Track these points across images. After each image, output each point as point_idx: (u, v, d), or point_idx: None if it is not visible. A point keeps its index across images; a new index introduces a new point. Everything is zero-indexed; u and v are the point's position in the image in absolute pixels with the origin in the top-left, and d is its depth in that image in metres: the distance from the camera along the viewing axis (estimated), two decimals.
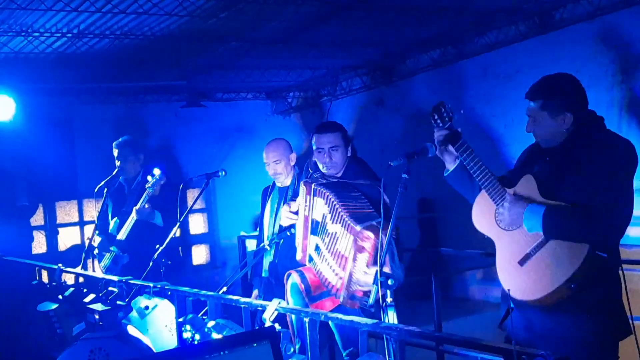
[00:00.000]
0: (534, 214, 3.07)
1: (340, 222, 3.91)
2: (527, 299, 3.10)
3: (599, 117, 3.23)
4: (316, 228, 4.15)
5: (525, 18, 6.84)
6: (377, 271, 3.12)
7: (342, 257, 3.88)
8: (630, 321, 3.23)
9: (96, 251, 5.62)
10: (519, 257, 3.15)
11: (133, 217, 5.55)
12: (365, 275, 3.78)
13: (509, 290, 3.15)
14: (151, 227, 5.62)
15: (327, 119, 9.77)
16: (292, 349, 3.29)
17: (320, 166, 4.32)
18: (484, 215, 3.32)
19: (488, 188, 3.24)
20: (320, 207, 4.11)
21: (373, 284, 3.18)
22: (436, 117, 3.33)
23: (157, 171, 5.42)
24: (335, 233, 3.95)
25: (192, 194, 8.71)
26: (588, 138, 3.12)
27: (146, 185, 5.44)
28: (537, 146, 3.34)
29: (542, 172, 3.20)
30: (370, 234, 3.75)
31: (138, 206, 5.49)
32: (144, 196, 5.46)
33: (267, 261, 4.77)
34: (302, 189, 4.27)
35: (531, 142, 3.41)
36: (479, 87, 8.01)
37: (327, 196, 4.03)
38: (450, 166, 3.42)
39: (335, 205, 3.96)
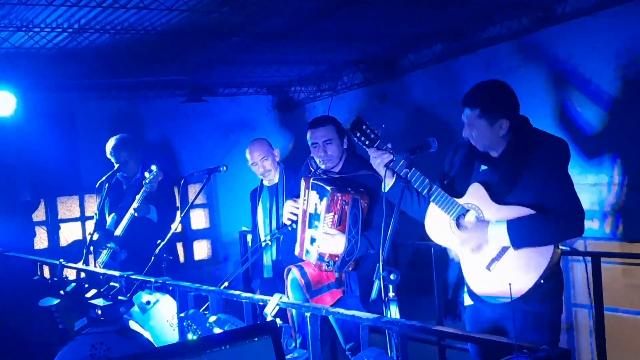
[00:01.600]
0: (497, 231, 3.14)
1: (322, 195, 3.99)
2: (502, 301, 3.17)
3: (525, 118, 3.34)
4: (310, 220, 4.17)
5: (528, 12, 6.81)
6: (378, 266, 3.13)
7: (319, 219, 3.99)
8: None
9: (92, 248, 5.62)
10: (485, 262, 3.22)
11: (131, 213, 5.55)
12: (328, 236, 3.87)
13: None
14: (148, 223, 5.63)
15: (329, 114, 9.75)
16: (293, 344, 3.29)
17: (318, 161, 4.34)
18: (440, 228, 3.38)
19: (437, 200, 3.31)
20: (313, 198, 4.15)
21: (375, 278, 3.19)
22: (359, 134, 3.38)
23: (154, 168, 5.43)
24: (320, 208, 4.02)
25: (193, 189, 8.71)
26: (526, 140, 3.23)
27: (143, 182, 5.44)
28: (472, 151, 3.40)
29: (489, 179, 3.28)
30: (338, 194, 3.83)
31: (136, 205, 5.48)
32: (141, 192, 5.47)
33: (268, 258, 4.77)
34: (302, 184, 4.29)
35: None
36: (482, 80, 7.99)
37: (318, 185, 4.08)
38: (389, 181, 3.46)
39: (321, 186, 4.02)
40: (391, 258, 3.50)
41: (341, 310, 3.21)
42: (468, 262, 3.30)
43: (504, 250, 3.17)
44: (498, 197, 3.20)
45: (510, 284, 2.78)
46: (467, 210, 3.29)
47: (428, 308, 5.72)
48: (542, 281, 3.09)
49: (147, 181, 5.41)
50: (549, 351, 2.23)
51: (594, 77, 6.54)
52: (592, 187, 5.96)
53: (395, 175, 3.43)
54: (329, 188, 3.94)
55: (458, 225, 3.31)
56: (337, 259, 3.98)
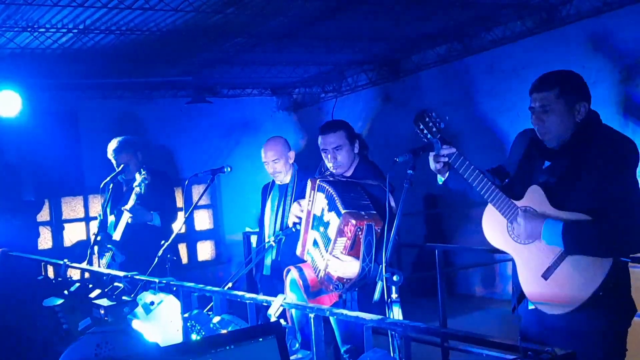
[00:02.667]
0: (553, 230, 2.98)
1: (333, 209, 3.96)
2: (557, 313, 3.02)
3: (596, 113, 3.14)
4: (315, 222, 4.17)
5: (532, 14, 6.82)
6: (381, 267, 3.12)
7: (330, 242, 3.95)
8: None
9: (96, 248, 5.62)
10: (541, 271, 3.07)
11: (127, 217, 5.54)
12: (339, 261, 3.83)
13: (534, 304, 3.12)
14: (145, 226, 5.62)
15: (333, 115, 9.76)
16: (296, 345, 3.28)
17: (329, 166, 4.32)
18: (496, 231, 3.22)
19: (495, 202, 3.14)
20: (320, 201, 4.14)
21: (378, 279, 3.18)
22: (421, 126, 3.23)
23: (142, 171, 5.43)
24: (329, 221, 3.99)
25: (197, 190, 8.72)
26: (590, 138, 3.03)
27: (133, 184, 5.44)
28: (534, 145, 3.21)
29: (548, 178, 3.11)
30: (353, 220, 3.78)
31: (127, 206, 5.48)
32: (132, 195, 5.46)
33: (269, 258, 4.77)
34: (309, 185, 4.29)
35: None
36: (485, 82, 8.00)
37: (327, 190, 4.07)
38: (444, 176, 3.32)
39: (332, 195, 4.00)
40: (394, 259, 3.46)
41: (345, 311, 3.21)
42: (524, 268, 3.16)
43: (561, 258, 3.01)
44: (557, 201, 3.02)
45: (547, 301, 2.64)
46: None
47: (431, 309, 5.72)
48: (600, 293, 2.92)
49: (136, 183, 5.42)
50: (553, 353, 2.22)
51: (598, 80, 6.54)
52: None
53: (449, 171, 3.26)
54: (343, 211, 3.88)
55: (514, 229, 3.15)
56: (346, 282, 3.93)
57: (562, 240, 2.97)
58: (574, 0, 6.42)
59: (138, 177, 5.40)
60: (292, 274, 4.21)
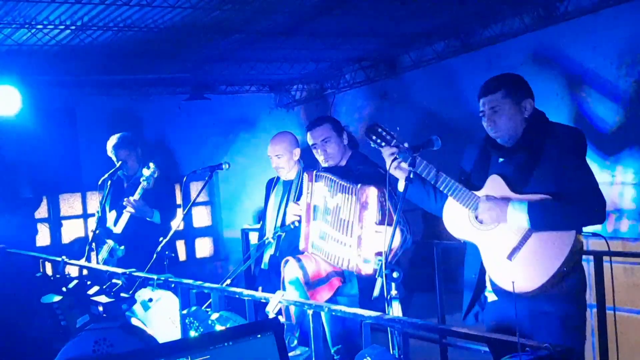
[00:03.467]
0: (518, 210, 3.13)
1: (339, 191, 3.96)
2: (524, 291, 3.14)
3: (541, 111, 3.33)
4: (316, 213, 4.16)
5: (530, 10, 6.81)
6: (381, 263, 3.13)
7: (348, 223, 3.91)
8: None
9: (94, 245, 5.63)
10: (506, 252, 3.19)
11: (129, 211, 5.55)
12: (376, 234, 3.78)
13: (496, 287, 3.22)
14: (146, 222, 5.64)
15: (331, 112, 9.76)
16: (295, 341, 3.29)
17: (320, 160, 4.36)
18: (458, 221, 3.37)
19: (456, 195, 3.29)
20: (320, 190, 4.15)
21: (377, 276, 3.18)
22: (374, 137, 3.42)
23: (151, 164, 5.44)
24: (337, 204, 3.99)
25: (195, 187, 8.72)
26: (541, 129, 3.24)
27: (140, 179, 5.45)
28: (488, 143, 3.39)
29: (504, 170, 3.27)
30: (372, 188, 3.79)
31: (132, 198, 5.49)
32: (138, 189, 5.48)
33: (267, 254, 4.77)
34: (306, 177, 4.30)
35: None
36: (484, 79, 7.97)
37: (326, 177, 4.08)
38: (403, 179, 3.40)
39: (333, 180, 4.01)
40: (394, 256, 3.48)
41: (343, 308, 3.21)
42: (489, 253, 3.27)
43: (524, 239, 3.15)
44: (517, 187, 3.20)
45: (513, 282, 2.78)
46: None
47: (429, 305, 5.72)
48: (564, 269, 3.07)
49: (144, 178, 5.42)
50: (551, 349, 2.23)
51: (598, 75, 6.54)
52: None
53: (408, 170, 3.35)
54: (358, 186, 3.86)
55: (477, 217, 3.28)
56: (394, 256, 3.81)
57: (527, 216, 3.11)
58: None
59: (146, 172, 5.42)
60: (291, 264, 4.21)
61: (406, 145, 3.40)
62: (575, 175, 3.13)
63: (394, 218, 3.31)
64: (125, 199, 5.55)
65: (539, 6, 6.69)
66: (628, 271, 5.54)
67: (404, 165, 3.37)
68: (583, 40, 6.70)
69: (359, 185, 3.85)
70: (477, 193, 3.28)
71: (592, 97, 6.51)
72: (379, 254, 3.78)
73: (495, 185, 3.26)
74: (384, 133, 3.41)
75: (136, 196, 5.50)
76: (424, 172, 3.33)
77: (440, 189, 3.33)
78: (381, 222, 3.81)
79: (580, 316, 3.23)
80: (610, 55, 6.52)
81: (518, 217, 3.13)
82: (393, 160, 3.39)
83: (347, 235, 3.92)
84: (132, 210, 5.54)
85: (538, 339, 2.77)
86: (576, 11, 6.47)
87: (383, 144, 3.41)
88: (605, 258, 4.50)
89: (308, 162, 4.87)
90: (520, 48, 7.27)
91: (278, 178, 4.94)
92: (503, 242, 3.21)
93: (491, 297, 3.37)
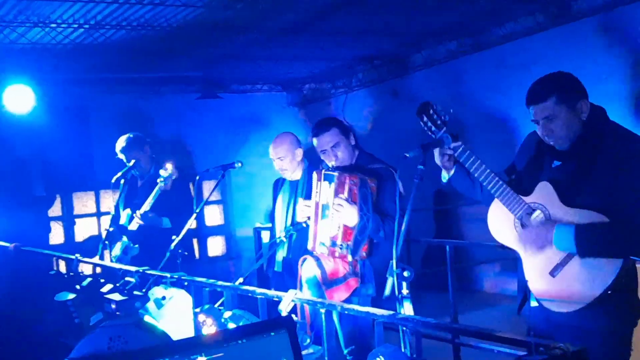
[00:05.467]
0: (564, 235, 2.94)
1: (332, 181, 4.00)
2: (564, 311, 3.00)
3: (602, 108, 3.10)
4: (324, 212, 4.17)
5: (542, 9, 6.79)
6: (392, 263, 3.12)
7: (328, 207, 4.01)
8: None
9: (107, 242, 5.64)
10: (549, 268, 3.04)
11: (138, 222, 5.57)
12: (339, 207, 3.87)
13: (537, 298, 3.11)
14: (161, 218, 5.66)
15: (343, 110, 9.75)
16: (308, 340, 3.29)
17: (331, 165, 4.34)
18: (503, 227, 3.19)
19: (502, 197, 3.11)
20: (325, 189, 4.14)
21: (388, 275, 3.18)
22: (425, 119, 3.21)
23: (169, 166, 5.42)
24: (331, 194, 4.04)
25: (208, 186, 8.74)
26: (600, 132, 3.01)
27: (158, 180, 5.44)
28: (543, 144, 3.16)
29: (557, 176, 3.08)
30: (346, 175, 3.87)
31: (142, 210, 5.50)
32: (155, 191, 5.46)
33: (280, 255, 4.77)
34: (315, 177, 4.28)
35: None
36: (495, 78, 7.97)
37: (332, 175, 4.09)
38: (450, 171, 3.31)
39: (332, 175, 4.02)
40: (404, 255, 3.45)
41: (356, 307, 3.21)
42: (531, 265, 3.12)
43: (569, 256, 2.98)
44: (567, 197, 3.00)
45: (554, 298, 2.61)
46: (533, 210, 3.08)
47: (443, 305, 5.71)
48: (609, 292, 2.90)
49: (161, 179, 5.41)
50: (565, 349, 2.21)
51: (611, 75, 6.51)
52: None
53: (454, 166, 3.26)
54: (336, 173, 3.96)
55: (523, 225, 3.12)
56: (349, 240, 3.96)
57: (575, 245, 2.93)
58: None
59: (164, 172, 5.39)
60: (309, 262, 4.21)
61: (458, 139, 3.17)
62: (631, 193, 2.88)
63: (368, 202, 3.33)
64: (135, 213, 5.56)
65: (551, 4, 6.66)
66: None
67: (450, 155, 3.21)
68: (596, 38, 6.67)
69: (337, 173, 3.93)
70: (526, 199, 3.10)
71: (602, 100, 6.48)
72: (345, 239, 3.93)
73: (544, 193, 3.07)
74: (435, 116, 3.20)
75: (150, 199, 5.49)
76: (472, 167, 3.13)
77: (488, 188, 3.12)
78: (352, 203, 3.92)
79: (624, 331, 3.06)
80: (625, 55, 6.48)
81: (564, 241, 2.95)
82: (441, 153, 3.22)
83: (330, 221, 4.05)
84: (141, 222, 5.55)
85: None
86: (588, 10, 6.44)
87: (433, 129, 3.20)
88: None
89: (313, 161, 4.86)
90: (533, 46, 7.25)
91: (284, 179, 4.93)
92: (546, 257, 3.05)
93: (533, 302, 3.26)
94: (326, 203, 4.12)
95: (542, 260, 3.08)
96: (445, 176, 3.37)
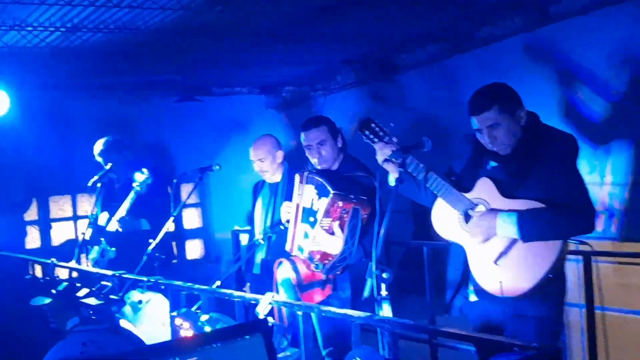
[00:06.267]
0: (507, 222, 3.13)
1: (323, 195, 3.99)
2: (509, 295, 3.14)
3: (534, 114, 3.34)
4: (305, 215, 4.17)
5: (522, 12, 6.83)
6: (371, 264, 3.14)
7: (317, 221, 3.97)
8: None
9: (84, 247, 5.62)
10: (493, 256, 3.20)
11: (117, 227, 5.55)
12: (324, 235, 3.85)
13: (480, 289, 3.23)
14: (139, 222, 5.64)
15: (322, 113, 9.75)
16: (285, 342, 3.29)
17: (314, 162, 4.34)
18: (447, 223, 3.37)
19: (445, 195, 3.30)
20: (309, 192, 4.15)
21: (367, 277, 3.19)
22: (367, 133, 3.40)
23: (145, 171, 5.42)
24: (319, 208, 4.01)
25: (186, 189, 8.69)
26: (536, 136, 3.24)
27: (133, 184, 5.43)
28: (480, 148, 3.38)
29: (498, 175, 3.27)
30: (340, 202, 3.83)
31: (118, 215, 5.47)
32: (130, 195, 5.46)
33: (259, 257, 4.77)
34: (297, 179, 4.29)
35: None
36: (476, 81, 7.97)
37: (316, 179, 4.09)
38: (395, 175, 3.44)
39: (321, 183, 4.03)
40: (383, 257, 3.48)
41: (333, 309, 3.22)
42: (475, 256, 3.28)
43: (512, 244, 3.15)
44: (507, 192, 3.20)
45: (501, 282, 2.79)
46: (476, 205, 3.27)
47: (420, 307, 5.73)
48: (550, 276, 3.09)
49: (137, 183, 5.40)
50: (539, 349, 2.24)
51: (589, 75, 6.57)
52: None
53: (400, 169, 3.40)
54: (332, 191, 3.91)
55: (466, 219, 3.29)
56: (327, 262, 3.97)
57: (517, 228, 3.11)
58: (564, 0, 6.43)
59: (140, 177, 5.40)
60: (284, 266, 4.21)
61: (395, 140, 3.38)
62: (566, 184, 3.13)
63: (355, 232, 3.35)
64: (114, 217, 5.54)
65: (530, 7, 6.70)
66: (617, 271, 5.56)
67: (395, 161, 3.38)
68: (575, 40, 6.73)
69: (332, 192, 3.89)
70: (467, 195, 3.28)
71: (585, 96, 6.54)
72: (322, 259, 3.91)
73: (485, 188, 3.26)
74: (377, 129, 3.39)
75: (126, 203, 5.47)
76: (415, 171, 3.34)
77: (431, 189, 3.34)
78: (330, 231, 3.89)
79: (558, 321, 3.26)
80: (602, 56, 6.54)
81: (508, 228, 3.13)
82: (385, 159, 3.38)
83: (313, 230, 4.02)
84: (120, 229, 5.54)
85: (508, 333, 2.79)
86: (567, 13, 6.49)
87: (376, 140, 3.38)
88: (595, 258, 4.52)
89: (292, 164, 4.87)
90: (513, 50, 7.29)
91: (264, 181, 4.93)
92: (490, 246, 3.21)
93: (472, 297, 3.39)
94: (310, 208, 4.12)
95: (486, 251, 3.24)
96: (392, 180, 3.48)
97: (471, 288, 3.39)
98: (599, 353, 4.55)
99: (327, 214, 3.92)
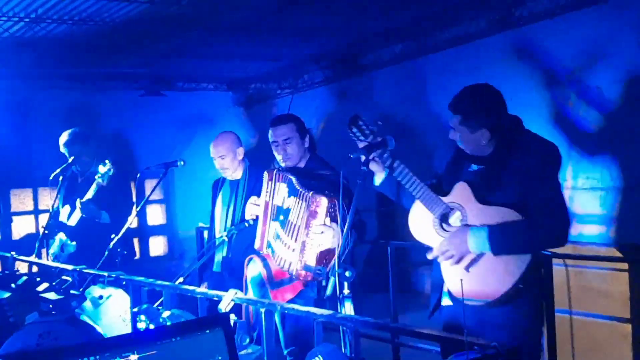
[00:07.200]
0: (478, 237, 3.12)
1: (293, 194, 3.96)
2: (478, 303, 3.15)
3: (517, 119, 3.31)
4: (276, 213, 4.15)
5: (486, 15, 6.89)
6: (334, 262, 3.14)
7: (295, 227, 3.91)
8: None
9: (44, 241, 5.54)
10: (464, 263, 3.20)
11: (78, 211, 5.49)
12: (319, 231, 3.78)
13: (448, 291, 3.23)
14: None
15: (289, 111, 9.74)
16: (247, 340, 3.28)
17: (279, 159, 4.34)
18: (422, 225, 3.36)
19: (422, 197, 3.28)
20: (281, 191, 4.13)
21: (330, 275, 3.18)
22: (354, 130, 3.35)
23: (107, 162, 5.37)
24: (289, 207, 3.98)
25: (150, 184, 8.63)
26: (515, 141, 3.21)
27: (95, 176, 5.38)
28: (460, 151, 3.37)
29: (474, 178, 3.26)
30: (324, 198, 3.79)
31: (84, 199, 5.43)
32: (93, 186, 5.41)
33: (219, 255, 4.74)
34: (266, 176, 4.27)
35: None
36: (440, 81, 8.06)
37: (286, 176, 4.07)
38: (380, 175, 3.45)
39: (292, 181, 4.00)
40: (348, 256, 3.48)
41: (296, 307, 3.21)
42: (447, 262, 3.27)
43: (483, 252, 3.15)
44: (482, 197, 3.18)
45: (461, 280, 2.79)
46: (451, 209, 3.26)
47: (384, 306, 5.75)
48: (520, 285, 3.07)
49: (99, 175, 5.35)
50: (498, 348, 2.26)
51: (551, 80, 6.66)
52: None
53: (385, 170, 3.39)
54: (309, 193, 3.87)
55: (441, 223, 3.28)
56: (326, 260, 3.87)
57: (488, 243, 3.10)
58: (528, 3, 6.50)
59: (102, 169, 5.34)
60: (255, 262, 4.18)
61: (379, 139, 3.32)
62: (541, 193, 3.10)
63: (347, 222, 3.30)
64: (78, 200, 5.47)
65: (494, 11, 6.77)
66: (578, 275, 5.63)
67: (379, 161, 3.35)
68: (541, 42, 6.81)
69: (310, 193, 3.84)
70: (444, 199, 3.26)
71: (557, 98, 6.63)
72: (319, 263, 3.84)
73: (461, 192, 3.25)
74: (364, 126, 3.33)
75: (89, 194, 5.42)
76: (398, 173, 3.30)
77: (409, 190, 3.30)
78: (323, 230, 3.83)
79: (533, 328, 3.25)
80: (565, 60, 6.63)
81: (479, 243, 3.12)
82: (369, 158, 3.34)
83: (292, 239, 3.93)
84: (82, 214, 5.48)
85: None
86: (530, 17, 6.57)
87: (362, 138, 3.34)
88: (557, 261, 4.56)
89: (255, 161, 4.86)
90: (476, 52, 7.36)
91: (224, 179, 4.91)
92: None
93: (446, 301, 3.38)
94: (281, 205, 4.10)
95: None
96: (377, 179, 3.47)
97: (446, 290, 3.37)
98: (565, 356, 4.59)
99: (313, 215, 3.85)
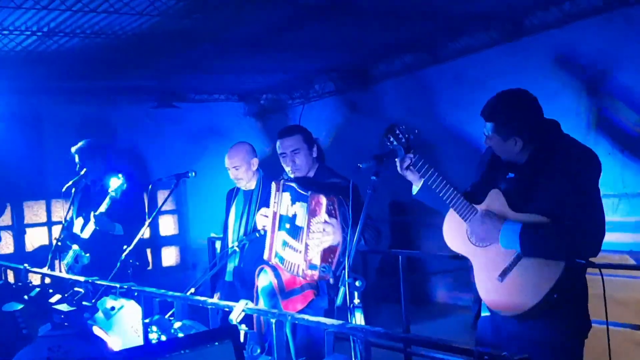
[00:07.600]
0: (511, 231, 3.04)
1: (297, 199, 3.97)
2: (511, 314, 3.06)
3: (555, 123, 3.22)
4: (282, 222, 4.16)
5: (498, 24, 6.89)
6: (344, 273, 3.13)
7: (300, 230, 3.94)
8: (606, 327, 3.30)
9: (57, 254, 5.56)
10: (497, 273, 3.12)
11: (92, 224, 5.52)
12: (321, 230, 3.79)
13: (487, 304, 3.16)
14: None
15: (300, 122, 9.76)
16: (258, 350, 3.28)
17: (287, 170, 4.35)
18: (456, 234, 3.29)
19: (456, 206, 3.21)
20: (285, 200, 4.15)
21: (340, 285, 3.19)
22: (391, 138, 3.31)
23: (120, 176, 5.40)
24: (295, 213, 4.00)
25: (162, 195, 8.66)
26: (551, 151, 3.12)
27: (109, 190, 5.40)
28: (496, 156, 3.30)
29: (509, 186, 3.19)
30: (322, 197, 3.81)
31: (97, 212, 5.45)
32: (106, 200, 5.43)
33: (231, 265, 4.75)
34: (273, 187, 4.29)
35: None
36: (452, 92, 8.06)
37: (290, 186, 4.09)
38: (417, 184, 3.39)
39: (294, 188, 4.02)
40: (360, 265, 3.47)
41: (306, 317, 3.21)
42: (481, 271, 3.18)
43: (517, 259, 3.07)
44: (517, 205, 3.10)
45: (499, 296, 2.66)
46: None
47: (397, 316, 5.74)
48: (554, 295, 2.97)
49: (112, 189, 5.38)
50: (509, 358, 2.25)
51: (563, 89, 6.65)
52: None
53: (422, 179, 3.32)
54: (308, 193, 3.90)
55: (467, 231, 3.22)
56: (329, 262, 3.89)
57: (518, 240, 3.03)
58: (537, 12, 6.50)
59: (115, 182, 5.36)
60: (267, 272, 4.20)
61: (412, 153, 3.29)
62: (577, 201, 3.00)
63: (355, 224, 3.29)
64: (93, 214, 5.50)
65: (505, 20, 6.77)
66: (592, 283, 5.59)
67: (413, 170, 3.30)
68: (548, 54, 6.80)
69: (309, 193, 3.88)
70: (477, 206, 3.19)
71: (564, 108, 6.62)
72: (324, 261, 3.85)
73: (494, 200, 3.17)
74: (400, 135, 3.30)
75: (102, 208, 5.45)
76: (430, 179, 3.24)
77: (443, 198, 3.23)
78: (331, 217, 3.85)
79: (572, 344, 3.12)
80: (576, 70, 6.62)
81: (509, 238, 3.05)
82: (405, 166, 3.31)
83: (298, 241, 3.95)
84: (96, 227, 5.51)
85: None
86: (541, 26, 6.57)
87: (396, 144, 3.30)
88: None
89: (268, 172, 4.87)
90: (488, 61, 7.35)
91: (238, 189, 4.93)
92: (495, 262, 3.13)
93: (484, 312, 3.31)
94: (286, 214, 4.12)
95: (492, 266, 3.15)
96: (414, 189, 3.43)
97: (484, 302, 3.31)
98: None
99: (313, 213, 3.87)
